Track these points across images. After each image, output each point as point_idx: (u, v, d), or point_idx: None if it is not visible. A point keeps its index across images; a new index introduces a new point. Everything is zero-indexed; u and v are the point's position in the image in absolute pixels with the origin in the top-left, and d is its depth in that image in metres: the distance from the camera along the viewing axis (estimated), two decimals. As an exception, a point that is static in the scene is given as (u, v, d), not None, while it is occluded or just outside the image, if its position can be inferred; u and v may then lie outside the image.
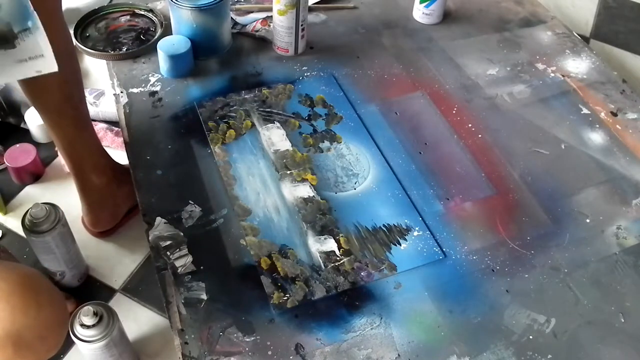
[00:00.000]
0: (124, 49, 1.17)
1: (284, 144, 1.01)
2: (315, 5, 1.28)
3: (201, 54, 1.14)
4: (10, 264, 0.82)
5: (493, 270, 0.86)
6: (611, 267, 0.87)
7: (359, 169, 0.98)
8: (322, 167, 0.98)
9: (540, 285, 0.84)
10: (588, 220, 0.92)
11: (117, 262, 1.15)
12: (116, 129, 1.33)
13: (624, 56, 1.38)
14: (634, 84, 1.17)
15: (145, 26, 1.24)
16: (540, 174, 0.99)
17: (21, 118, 1.36)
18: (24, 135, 1.36)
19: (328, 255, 0.86)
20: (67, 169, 1.10)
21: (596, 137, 1.05)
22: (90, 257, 1.14)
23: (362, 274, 0.85)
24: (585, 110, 1.09)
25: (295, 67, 1.16)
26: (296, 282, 0.83)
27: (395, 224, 0.90)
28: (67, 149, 1.03)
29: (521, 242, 0.89)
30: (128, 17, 1.26)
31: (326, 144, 1.02)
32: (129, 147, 1.01)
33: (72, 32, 1.16)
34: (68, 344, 0.92)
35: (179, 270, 0.84)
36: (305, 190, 0.94)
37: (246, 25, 1.24)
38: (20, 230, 1.06)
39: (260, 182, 0.95)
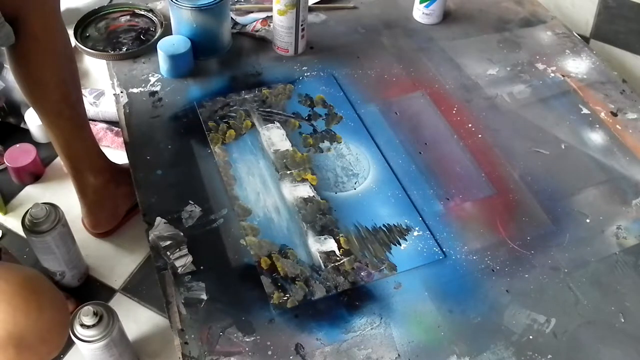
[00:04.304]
0: (124, 49, 1.17)
1: (284, 144, 1.01)
2: (315, 5, 1.28)
3: (201, 54, 1.14)
4: (12, 265, 0.82)
5: (493, 270, 0.86)
6: (611, 267, 0.87)
7: (359, 169, 0.98)
8: (322, 167, 0.98)
9: (540, 285, 0.84)
10: (588, 220, 0.92)
11: (117, 262, 1.15)
12: (116, 129, 1.33)
13: (624, 56, 1.38)
14: (634, 84, 1.17)
15: (145, 26, 1.24)
16: (540, 174, 0.99)
17: (21, 118, 1.36)
18: (24, 135, 1.36)
19: (328, 255, 0.86)
20: (66, 169, 1.10)
21: (596, 137, 1.05)
22: (90, 257, 1.14)
23: (362, 274, 0.85)
24: (585, 110, 1.09)
25: (295, 67, 1.16)
26: (296, 282, 0.83)
27: (395, 224, 0.90)
28: (65, 149, 1.03)
29: (521, 242, 0.89)
30: (128, 17, 1.26)
31: (326, 144, 1.02)
32: (129, 147, 1.01)
33: (72, 32, 1.16)
34: (68, 344, 0.91)
35: (179, 270, 0.84)
36: (305, 190, 0.94)
37: (246, 25, 1.24)
38: (20, 230, 1.06)
39: (260, 182, 0.95)
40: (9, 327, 0.70)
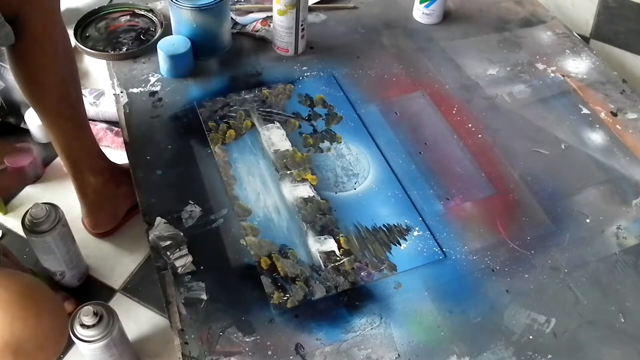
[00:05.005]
0: (124, 49, 1.17)
1: (284, 144, 1.01)
2: (315, 5, 1.28)
3: (201, 54, 1.14)
4: (10, 272, 0.81)
5: (493, 270, 0.86)
6: (611, 267, 0.87)
7: (359, 169, 0.98)
8: (322, 167, 0.98)
9: (540, 285, 0.84)
10: (588, 220, 0.92)
11: (117, 262, 1.15)
12: (116, 129, 1.33)
13: (624, 56, 1.38)
14: (634, 84, 1.17)
15: (145, 26, 1.24)
16: (540, 174, 0.99)
17: (21, 118, 1.36)
18: (24, 135, 1.36)
19: (328, 255, 0.86)
20: (66, 169, 1.10)
21: (596, 137, 1.05)
22: (90, 257, 1.14)
23: (362, 274, 0.85)
24: (585, 110, 1.09)
25: (295, 67, 1.16)
26: (296, 282, 0.83)
27: (395, 224, 0.90)
28: (65, 149, 1.03)
29: (521, 242, 0.89)
30: (128, 17, 1.26)
31: (326, 144, 1.02)
32: (129, 147, 1.01)
33: (72, 32, 1.16)
34: (68, 344, 0.91)
35: (179, 270, 0.84)
36: (305, 190, 0.94)
37: (246, 25, 1.24)
38: (20, 230, 1.06)
39: (260, 182, 0.95)
40: (7, 334, 0.70)
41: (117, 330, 0.90)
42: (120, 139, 1.30)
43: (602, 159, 1.01)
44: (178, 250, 0.86)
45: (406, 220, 0.91)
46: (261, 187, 0.95)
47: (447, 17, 1.28)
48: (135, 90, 1.10)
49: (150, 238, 0.88)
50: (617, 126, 1.06)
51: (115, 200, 1.15)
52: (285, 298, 0.81)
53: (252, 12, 1.27)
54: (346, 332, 0.79)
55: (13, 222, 1.21)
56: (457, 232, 0.90)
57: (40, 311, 0.74)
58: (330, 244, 0.88)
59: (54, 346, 0.76)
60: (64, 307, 1.01)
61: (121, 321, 0.92)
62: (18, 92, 1.31)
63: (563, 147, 1.03)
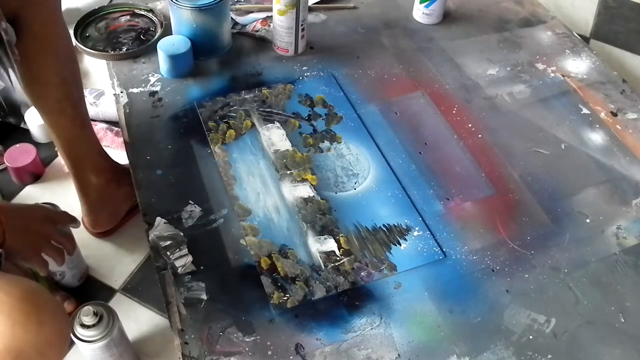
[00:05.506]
0: (124, 49, 1.17)
1: (284, 144, 1.01)
2: (315, 5, 1.28)
3: (201, 54, 1.14)
4: (12, 277, 0.81)
5: (493, 270, 0.86)
6: (611, 267, 0.87)
7: (359, 169, 0.98)
8: (322, 167, 0.98)
9: (540, 285, 0.84)
10: (588, 220, 0.92)
11: (117, 262, 1.15)
12: (116, 129, 1.33)
13: (624, 56, 1.38)
14: (634, 84, 1.17)
15: (145, 26, 1.24)
16: (540, 174, 0.99)
17: (21, 118, 1.36)
18: (24, 135, 1.36)
19: (328, 255, 0.86)
20: (67, 169, 1.10)
21: (596, 137, 1.05)
22: (90, 257, 1.14)
23: (362, 274, 0.85)
24: (585, 110, 1.09)
25: (295, 67, 1.16)
26: (296, 282, 0.83)
27: (395, 224, 0.90)
28: (67, 148, 1.03)
29: (521, 242, 0.89)
30: (128, 17, 1.26)
31: (326, 144, 1.02)
32: (129, 147, 1.01)
33: (72, 32, 1.16)
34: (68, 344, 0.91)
35: (179, 270, 0.84)
36: (305, 190, 0.94)
37: (246, 25, 1.24)
38: (20, 230, 1.06)
39: (260, 182, 0.95)
40: (7, 341, 0.70)
41: (117, 330, 0.90)
42: (120, 139, 1.30)
43: (602, 159, 1.01)
44: (178, 250, 0.86)
45: (406, 220, 0.91)
46: (261, 187, 0.95)
47: (447, 17, 1.28)
48: (135, 90, 1.10)
49: (150, 238, 0.88)
50: (617, 126, 1.06)
51: (116, 200, 1.15)
52: (285, 298, 0.81)
53: (252, 12, 1.27)
54: (346, 332, 0.79)
55: (13, 222, 1.21)
56: (457, 232, 0.90)
57: (42, 317, 0.73)
58: (330, 244, 0.88)
59: (56, 353, 0.76)
60: (66, 313, 1.01)
61: (121, 321, 0.92)
62: (18, 92, 1.31)
63: (563, 147, 1.03)
